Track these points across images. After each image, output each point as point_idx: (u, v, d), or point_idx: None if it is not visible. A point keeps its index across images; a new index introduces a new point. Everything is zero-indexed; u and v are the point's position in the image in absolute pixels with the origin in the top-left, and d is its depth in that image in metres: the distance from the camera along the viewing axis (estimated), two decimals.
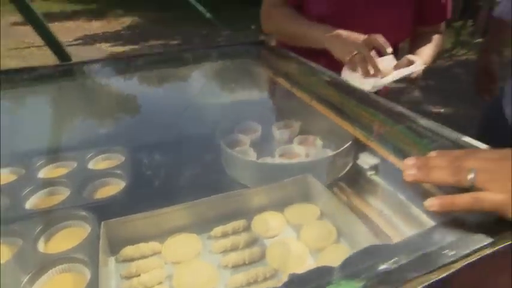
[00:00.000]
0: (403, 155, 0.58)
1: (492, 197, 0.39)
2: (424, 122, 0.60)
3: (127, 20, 7.22)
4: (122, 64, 1.08)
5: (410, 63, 1.01)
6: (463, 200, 0.41)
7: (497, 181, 0.40)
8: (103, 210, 0.66)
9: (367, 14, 1.09)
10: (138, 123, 1.04)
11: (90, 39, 6.55)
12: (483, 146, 0.54)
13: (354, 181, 0.80)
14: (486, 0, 5.61)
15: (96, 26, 7.59)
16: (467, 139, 0.56)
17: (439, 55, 1.22)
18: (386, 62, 1.01)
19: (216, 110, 1.06)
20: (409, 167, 0.46)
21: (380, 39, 0.92)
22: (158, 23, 7.62)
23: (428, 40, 1.18)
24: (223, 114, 1.04)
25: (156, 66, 1.03)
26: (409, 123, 0.61)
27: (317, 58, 1.02)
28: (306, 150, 0.94)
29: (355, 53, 0.94)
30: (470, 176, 0.41)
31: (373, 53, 0.94)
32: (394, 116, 0.63)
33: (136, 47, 6.07)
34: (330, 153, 0.83)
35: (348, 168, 0.83)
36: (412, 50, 1.17)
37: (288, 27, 1.12)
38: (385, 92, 1.19)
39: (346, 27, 1.04)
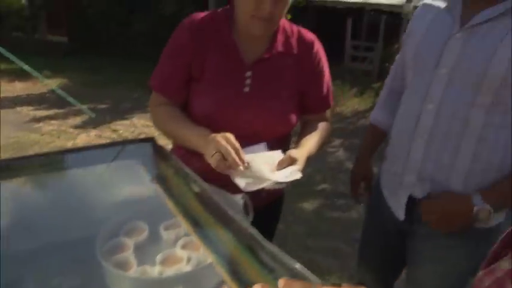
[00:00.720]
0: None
1: None
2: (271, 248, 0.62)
3: (53, 82, 7.02)
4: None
5: (293, 160, 1.06)
6: None
7: None
8: None
9: (250, 111, 1.14)
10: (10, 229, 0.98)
11: (10, 102, 6.26)
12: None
13: None
14: None
15: (19, 88, 7.30)
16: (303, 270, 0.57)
17: (327, 139, 1.29)
18: (269, 158, 1.05)
19: (101, 212, 1.03)
20: None
21: (229, 147, 0.98)
22: (88, 86, 7.50)
23: (314, 128, 1.26)
24: (108, 216, 1.01)
25: (35, 171, 0.99)
26: (257, 249, 0.62)
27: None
28: (189, 254, 0.93)
29: (215, 152, 0.98)
30: None
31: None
32: (245, 238, 0.65)
33: (62, 111, 5.89)
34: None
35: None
36: (300, 137, 1.23)
37: (170, 128, 1.15)
38: None
39: (230, 125, 1.08)
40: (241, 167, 0.99)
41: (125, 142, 1.13)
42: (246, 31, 1.13)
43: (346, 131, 5.86)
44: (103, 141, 4.72)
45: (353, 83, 7.93)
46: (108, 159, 1.06)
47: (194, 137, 1.07)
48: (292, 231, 3.04)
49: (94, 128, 5.27)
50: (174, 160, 0.98)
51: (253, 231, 0.63)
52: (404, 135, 1.17)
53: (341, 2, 11.74)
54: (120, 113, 5.92)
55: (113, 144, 1.11)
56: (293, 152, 1.08)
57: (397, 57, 1.35)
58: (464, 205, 1.05)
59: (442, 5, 1.13)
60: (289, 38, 1.18)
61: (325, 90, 1.26)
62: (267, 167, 1.02)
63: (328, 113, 1.32)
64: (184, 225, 0.76)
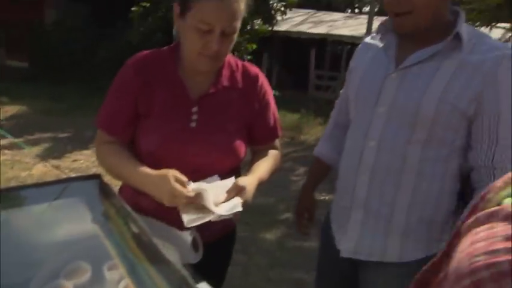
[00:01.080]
0: None
1: None
2: None
3: (11, 109, 6.80)
4: None
5: (241, 189, 1.06)
6: None
7: None
8: None
9: (197, 146, 1.14)
10: None
11: None
12: None
13: None
14: None
15: None
16: None
17: (278, 165, 1.31)
18: (223, 187, 1.06)
19: (41, 253, 0.99)
20: None
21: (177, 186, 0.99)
22: (49, 113, 7.30)
23: (264, 155, 1.28)
24: (48, 258, 0.97)
25: None
26: None
27: None
28: None
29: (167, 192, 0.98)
30: None
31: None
32: (176, 281, 0.64)
33: (18, 140, 5.68)
34: None
35: None
36: (251, 164, 1.24)
37: (115, 167, 1.13)
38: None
39: (177, 160, 1.09)
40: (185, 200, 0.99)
41: (70, 179, 1.10)
42: (192, 67, 1.15)
43: (310, 159, 5.94)
44: (60, 172, 4.57)
45: (317, 112, 8.11)
46: (51, 197, 1.03)
47: (139, 176, 1.07)
48: (255, 262, 3.01)
49: (53, 158, 5.11)
50: (117, 198, 0.96)
51: (185, 274, 0.62)
52: (350, 170, 1.20)
53: (305, 33, 12.15)
54: (82, 142, 5.77)
55: (57, 182, 1.08)
56: (241, 181, 1.09)
57: (342, 91, 1.41)
58: None
59: (380, 44, 1.19)
60: (234, 73, 1.21)
61: (272, 121, 1.28)
62: (214, 199, 1.02)
63: (277, 142, 1.34)
64: (120, 267, 0.74)
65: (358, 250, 1.22)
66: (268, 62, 11.09)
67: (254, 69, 1.26)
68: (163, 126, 1.13)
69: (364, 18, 11.83)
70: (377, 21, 4.78)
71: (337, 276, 1.38)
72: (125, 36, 9.66)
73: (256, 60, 9.13)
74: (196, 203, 1.01)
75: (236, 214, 1.03)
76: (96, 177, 1.09)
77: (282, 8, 9.87)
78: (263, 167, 1.22)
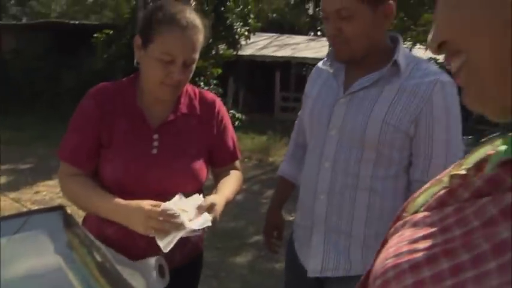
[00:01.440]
0: None
1: None
2: None
3: None
4: None
5: (212, 206, 1.10)
6: None
7: None
8: None
9: (159, 171, 1.18)
10: None
11: None
12: None
13: None
14: None
15: None
16: None
17: (240, 186, 1.36)
18: (190, 202, 1.08)
19: None
20: None
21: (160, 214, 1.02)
22: (9, 144, 7.06)
23: (228, 174, 1.32)
24: None
25: None
26: None
27: None
28: None
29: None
30: None
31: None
32: None
33: None
34: None
35: None
36: (216, 185, 1.28)
37: (82, 199, 1.14)
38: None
39: (141, 186, 1.13)
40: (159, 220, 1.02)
41: (32, 212, 1.09)
42: (153, 96, 1.19)
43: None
44: (20, 206, 4.40)
45: (284, 133, 8.22)
46: (11, 231, 1.01)
47: (110, 206, 1.09)
48: (226, 286, 2.99)
49: (14, 190, 4.92)
50: (81, 229, 0.96)
51: None
52: (309, 191, 1.26)
53: (269, 56, 12.40)
54: (45, 173, 5.60)
55: (18, 215, 1.06)
56: (210, 198, 1.13)
57: (299, 113, 1.48)
58: None
59: (330, 70, 1.27)
60: (193, 100, 1.27)
61: (231, 144, 1.34)
62: (184, 215, 1.05)
63: (237, 163, 1.39)
64: None
65: (324, 267, 1.25)
66: (234, 86, 11.23)
67: (211, 96, 1.33)
68: (125, 154, 1.16)
69: (326, 41, 12.22)
70: None
71: None
72: (87, 64, 9.57)
73: (222, 85, 9.23)
74: (168, 223, 1.03)
75: (204, 230, 1.06)
76: (59, 208, 1.09)
77: (246, 33, 10.09)
78: (228, 187, 1.27)
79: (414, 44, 7.47)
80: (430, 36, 0.43)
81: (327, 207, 1.21)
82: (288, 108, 11.74)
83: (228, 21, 9.44)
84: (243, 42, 10.31)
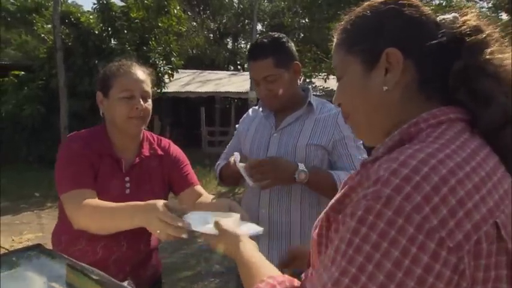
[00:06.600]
0: None
1: None
2: None
3: None
4: None
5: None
6: None
7: None
8: None
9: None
10: None
11: None
12: None
13: None
14: None
15: None
16: None
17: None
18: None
19: None
20: None
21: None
22: None
23: (198, 195, 1.47)
24: None
25: None
26: None
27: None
28: None
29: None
30: None
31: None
32: None
33: None
34: None
35: None
36: (186, 201, 1.46)
37: (102, 218, 1.22)
38: None
39: None
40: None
41: (10, 253, 1.17)
42: (124, 132, 1.37)
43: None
44: None
45: (212, 166, 8.26)
46: None
47: (129, 209, 1.17)
48: None
49: None
50: (67, 258, 1.08)
51: None
52: (253, 208, 1.56)
53: (193, 92, 12.63)
54: None
55: None
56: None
57: (231, 142, 1.81)
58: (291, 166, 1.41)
59: (262, 114, 1.67)
60: (152, 144, 1.49)
61: (189, 171, 1.53)
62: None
63: (199, 187, 1.53)
64: None
65: None
66: (160, 123, 11.23)
67: (166, 140, 1.56)
68: (105, 192, 1.31)
69: (247, 75, 12.82)
70: None
71: None
72: None
73: (148, 123, 9.22)
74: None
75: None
76: (37, 246, 1.19)
77: (169, 71, 10.27)
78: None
79: (328, 75, 8.13)
80: (333, 98, 0.78)
81: (269, 219, 1.53)
82: (214, 142, 11.96)
83: (151, 60, 9.58)
84: (166, 79, 10.47)
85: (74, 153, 1.32)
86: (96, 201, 1.25)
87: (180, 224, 1.05)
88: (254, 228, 1.09)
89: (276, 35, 1.54)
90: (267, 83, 1.49)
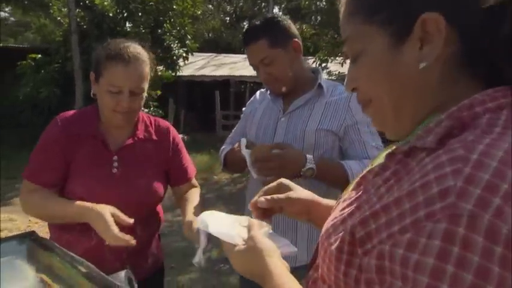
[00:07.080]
0: None
1: None
2: None
3: None
4: None
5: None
6: None
7: None
8: None
9: (119, 188, 1.31)
10: None
11: None
12: None
13: None
14: None
15: None
16: None
17: (200, 200, 1.48)
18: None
19: None
20: None
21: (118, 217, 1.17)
22: None
23: (188, 191, 1.49)
24: None
25: None
26: None
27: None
28: None
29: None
30: None
31: None
32: None
33: None
34: None
35: None
36: (179, 201, 1.46)
37: (48, 209, 1.26)
38: None
39: (103, 201, 1.22)
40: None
41: (1, 240, 1.14)
42: (109, 123, 1.34)
43: (225, 197, 6.11)
44: None
45: None
46: None
47: (76, 209, 1.21)
48: None
49: None
50: (58, 248, 1.04)
51: None
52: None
53: (208, 75, 12.56)
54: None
55: None
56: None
57: (237, 126, 1.72)
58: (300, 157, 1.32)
59: (270, 98, 1.57)
60: (148, 127, 1.44)
61: (186, 163, 1.51)
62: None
63: (194, 180, 1.55)
64: None
65: None
66: (174, 106, 11.22)
67: (165, 123, 1.50)
68: (88, 172, 1.30)
69: None
70: None
71: None
72: (13, 91, 9.12)
73: (162, 106, 9.22)
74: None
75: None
76: (30, 234, 1.15)
77: (184, 54, 10.19)
78: (196, 206, 1.40)
79: (345, 59, 7.99)
80: (345, 82, 0.64)
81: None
82: (228, 126, 11.91)
83: (165, 43, 9.52)
84: (181, 63, 10.40)
85: (49, 139, 1.32)
86: (45, 198, 1.27)
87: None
88: (287, 246, 0.83)
89: (268, 16, 1.49)
90: (264, 66, 1.42)
